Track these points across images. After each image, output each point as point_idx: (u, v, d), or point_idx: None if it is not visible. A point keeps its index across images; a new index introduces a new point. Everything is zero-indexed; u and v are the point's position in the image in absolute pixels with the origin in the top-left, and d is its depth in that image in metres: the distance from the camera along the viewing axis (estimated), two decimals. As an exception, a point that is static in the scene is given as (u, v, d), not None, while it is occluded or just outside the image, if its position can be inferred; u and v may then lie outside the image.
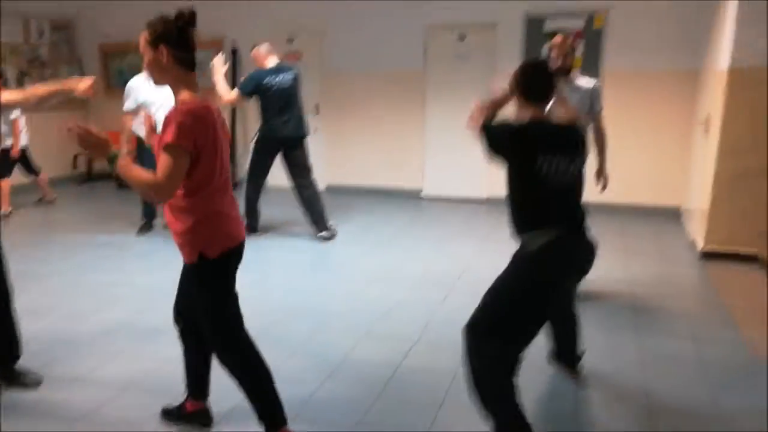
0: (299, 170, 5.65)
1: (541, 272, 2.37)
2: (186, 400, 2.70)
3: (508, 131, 2.45)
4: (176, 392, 2.78)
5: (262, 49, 5.55)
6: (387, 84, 7.57)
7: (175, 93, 2.24)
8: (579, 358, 3.13)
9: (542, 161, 2.35)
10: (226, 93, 5.27)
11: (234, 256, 2.36)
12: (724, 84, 4.77)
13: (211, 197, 2.26)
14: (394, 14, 7.32)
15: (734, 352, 3.39)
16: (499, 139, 2.47)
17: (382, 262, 5.07)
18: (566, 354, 3.13)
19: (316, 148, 7.86)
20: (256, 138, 5.64)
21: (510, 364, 2.39)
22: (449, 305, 4.09)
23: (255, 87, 5.39)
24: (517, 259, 2.45)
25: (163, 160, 2.12)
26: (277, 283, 4.57)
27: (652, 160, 6.55)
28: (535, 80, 2.51)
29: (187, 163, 2.14)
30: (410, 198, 7.59)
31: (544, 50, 6.75)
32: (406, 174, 7.71)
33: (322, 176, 7.93)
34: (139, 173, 2.15)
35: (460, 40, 7.22)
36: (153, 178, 2.12)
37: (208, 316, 2.37)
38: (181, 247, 2.32)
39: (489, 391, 2.40)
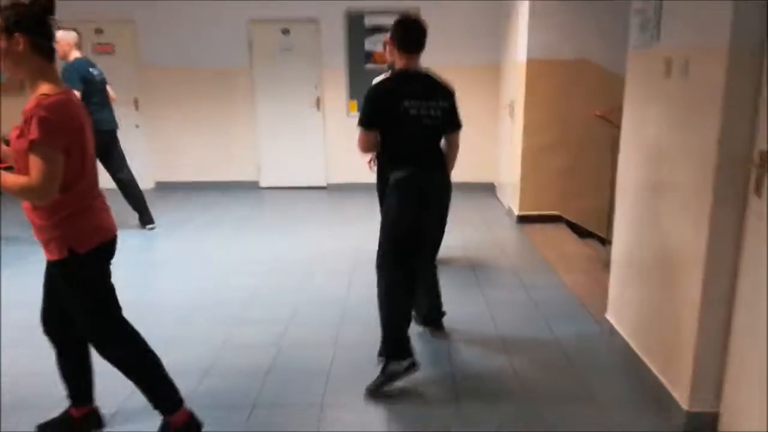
0: (121, 162, 5.57)
1: (400, 197, 2.91)
2: (70, 407, 2.54)
3: (371, 102, 2.92)
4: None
5: (71, 37, 5.14)
6: (213, 78, 7.42)
7: (33, 85, 2.10)
8: (442, 315, 3.54)
9: (409, 104, 2.85)
10: None
11: (105, 249, 2.29)
12: (523, 73, 5.61)
13: (82, 193, 2.18)
14: (213, 8, 7.19)
15: (557, 292, 4.11)
16: (369, 115, 2.91)
17: (234, 253, 5.06)
18: (431, 315, 3.51)
19: (137, 145, 7.47)
20: None
21: (401, 283, 2.95)
22: (311, 286, 4.28)
23: (81, 79, 5.04)
24: (386, 195, 3.00)
25: (34, 162, 1.99)
26: (129, 282, 4.28)
27: (468, 143, 7.32)
28: (407, 33, 2.96)
29: (61, 158, 2.03)
30: (247, 189, 7.56)
31: (368, 43, 7.23)
32: (241, 167, 7.66)
33: (147, 173, 7.54)
34: (13, 179, 2.03)
35: (285, 34, 7.35)
36: (30, 183, 2.00)
37: (84, 312, 2.28)
38: (47, 243, 2.18)
39: (387, 307, 2.97)
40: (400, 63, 3.06)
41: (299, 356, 3.23)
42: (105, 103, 5.36)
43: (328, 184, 7.61)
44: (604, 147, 5.20)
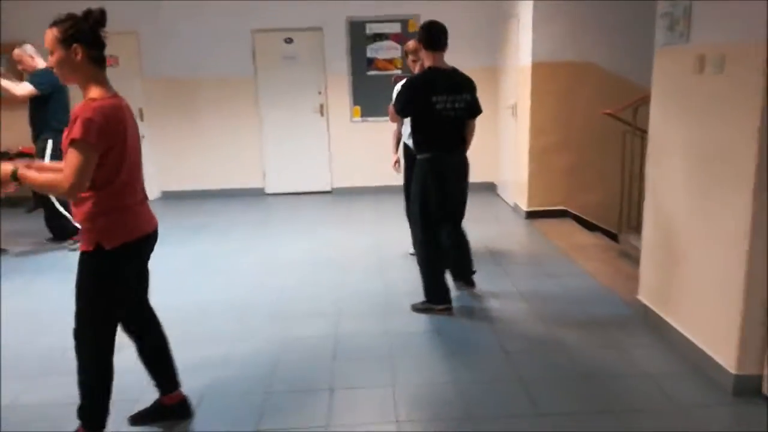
0: None
1: (426, 173, 3.64)
2: (162, 396, 2.66)
3: (406, 96, 3.64)
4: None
5: (29, 49, 5.25)
6: (217, 88, 7.52)
7: (85, 90, 2.27)
8: (473, 273, 4.09)
9: (436, 99, 3.52)
10: (19, 88, 5.01)
11: (134, 249, 2.37)
12: (528, 76, 5.90)
13: (117, 192, 2.29)
14: (216, 19, 7.31)
15: (581, 279, 4.38)
16: (403, 107, 3.67)
17: (260, 256, 5.18)
18: (464, 272, 4.06)
19: (144, 155, 7.47)
20: (51, 143, 5.14)
21: (431, 243, 3.73)
22: (347, 283, 4.44)
23: (52, 86, 5.07)
24: (415, 170, 3.75)
25: (70, 157, 2.13)
26: (170, 288, 4.38)
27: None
28: (432, 33, 3.59)
29: (95, 158, 2.16)
30: (253, 196, 7.67)
31: (370, 50, 7.44)
32: (246, 174, 7.75)
33: (153, 183, 7.58)
34: (44, 178, 2.22)
35: (288, 43, 7.51)
36: (60, 179, 2.14)
37: (87, 305, 2.34)
38: (82, 234, 2.32)
39: (422, 262, 3.78)
40: (428, 61, 3.66)
41: (358, 345, 3.41)
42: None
43: (333, 189, 7.77)
44: (610, 144, 5.52)
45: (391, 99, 4.23)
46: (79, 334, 2.38)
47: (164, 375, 2.67)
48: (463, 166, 3.79)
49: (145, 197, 2.49)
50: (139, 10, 7.22)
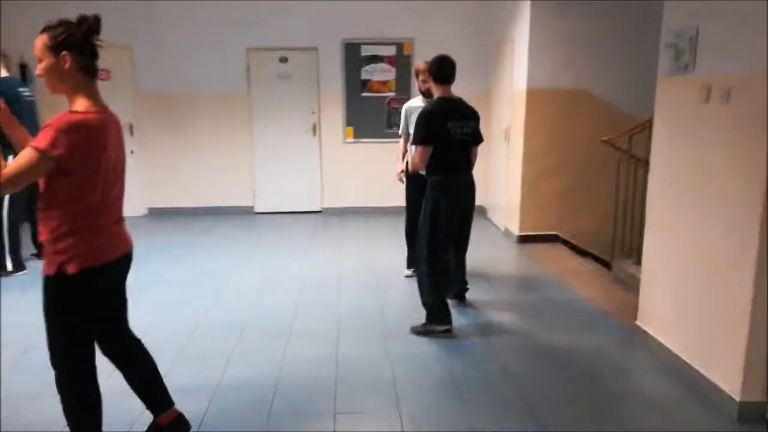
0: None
1: (437, 194, 3.78)
2: (156, 419, 2.57)
3: (425, 124, 3.74)
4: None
5: None
6: (210, 105, 7.49)
7: (71, 101, 2.14)
8: (466, 290, 4.36)
9: (449, 125, 3.74)
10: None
11: (100, 273, 2.20)
12: (523, 101, 5.98)
13: (86, 212, 2.15)
14: (211, 36, 7.31)
15: (578, 304, 4.40)
16: (426, 134, 3.75)
17: (255, 275, 5.11)
18: (460, 290, 4.31)
19: (130, 171, 7.34)
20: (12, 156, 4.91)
21: (437, 264, 3.81)
22: (344, 302, 4.41)
23: (8, 97, 4.72)
24: (426, 192, 3.85)
25: (21, 156, 2.00)
26: (164, 307, 4.32)
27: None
28: (442, 68, 3.83)
29: (44, 169, 2.02)
30: (242, 214, 7.60)
31: (364, 72, 7.50)
32: (236, 192, 7.69)
33: (140, 200, 7.49)
34: None
35: (282, 62, 7.53)
36: (2, 170, 2.00)
37: (55, 331, 2.21)
38: (45, 255, 2.16)
39: (426, 282, 3.81)
40: (438, 92, 3.90)
41: (359, 368, 3.36)
42: (34, 124, 4.93)
43: (323, 209, 7.75)
44: (602, 171, 5.60)
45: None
46: (54, 362, 2.23)
47: (155, 397, 2.57)
48: (471, 185, 4.01)
49: (121, 218, 2.35)
50: (134, 24, 7.19)
